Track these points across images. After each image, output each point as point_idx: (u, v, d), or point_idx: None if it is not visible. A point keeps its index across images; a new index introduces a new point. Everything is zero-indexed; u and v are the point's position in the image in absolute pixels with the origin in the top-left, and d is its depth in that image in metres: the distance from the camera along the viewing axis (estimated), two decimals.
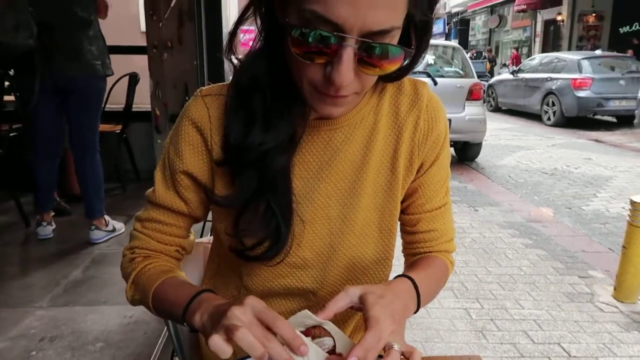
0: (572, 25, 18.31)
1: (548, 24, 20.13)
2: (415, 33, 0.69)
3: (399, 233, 0.90)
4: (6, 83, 3.12)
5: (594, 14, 17.63)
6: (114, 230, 3.06)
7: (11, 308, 2.24)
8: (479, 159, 6.77)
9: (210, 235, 0.98)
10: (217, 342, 0.58)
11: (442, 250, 0.89)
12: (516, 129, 10.04)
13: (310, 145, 0.80)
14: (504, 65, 20.59)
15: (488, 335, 2.36)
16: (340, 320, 0.89)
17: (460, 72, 6.56)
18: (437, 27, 28.52)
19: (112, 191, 3.90)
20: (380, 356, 0.63)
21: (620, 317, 2.53)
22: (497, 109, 13.06)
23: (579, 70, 9.96)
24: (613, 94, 9.66)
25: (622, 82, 9.78)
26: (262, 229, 0.76)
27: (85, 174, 2.93)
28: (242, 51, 0.77)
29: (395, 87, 0.83)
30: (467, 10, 28.13)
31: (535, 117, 11.16)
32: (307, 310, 0.64)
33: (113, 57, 2.96)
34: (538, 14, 20.47)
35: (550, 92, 10.39)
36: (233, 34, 0.75)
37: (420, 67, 5.86)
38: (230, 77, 0.79)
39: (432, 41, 1.01)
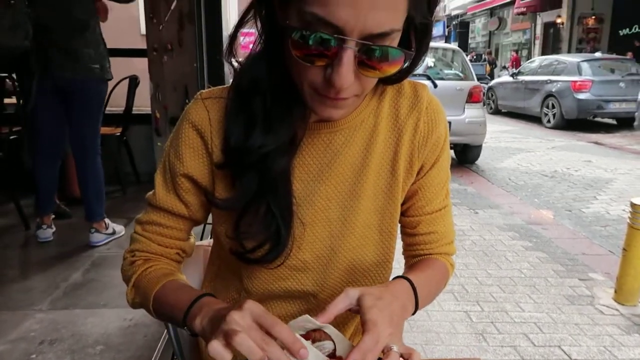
0: (572, 27, 18.34)
1: (548, 26, 20.15)
2: (415, 36, 0.69)
3: (399, 235, 0.90)
4: (7, 84, 3.13)
5: (593, 17, 17.65)
6: (114, 233, 3.06)
7: (11, 311, 2.23)
8: (479, 162, 6.77)
9: (211, 238, 0.98)
10: (216, 347, 0.58)
11: (442, 253, 0.89)
12: (516, 131, 10.05)
13: (311, 148, 0.80)
14: (504, 67, 20.64)
15: (488, 338, 2.36)
16: (340, 322, 0.89)
17: (460, 74, 6.56)
18: (437, 30, 28.57)
19: (112, 194, 3.89)
20: (379, 359, 0.63)
21: (621, 319, 2.52)
22: (497, 112, 13.07)
23: (579, 72, 9.97)
24: (613, 97, 9.67)
25: (622, 84, 9.79)
26: (263, 231, 0.76)
27: (85, 177, 2.93)
28: (242, 54, 0.77)
29: (395, 90, 0.83)
30: (466, 12, 28.17)
31: (535, 119, 11.16)
32: (307, 315, 0.63)
33: (113, 59, 2.96)
34: (538, 16, 20.49)
35: (550, 95, 10.40)
36: (233, 36, 0.75)
37: (420, 70, 5.83)
38: (231, 80, 0.79)
39: (432, 44, 1.02)
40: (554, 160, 6.94)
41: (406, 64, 0.67)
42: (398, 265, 0.89)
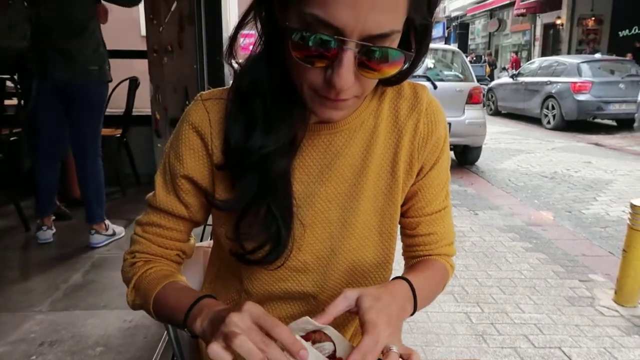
0: (572, 29, 18.35)
1: (547, 27, 20.17)
2: (415, 37, 0.69)
3: (399, 236, 0.90)
4: (8, 85, 3.13)
5: (593, 18, 17.67)
6: (114, 234, 3.06)
7: (11, 312, 2.23)
8: (478, 163, 6.77)
9: (211, 239, 0.98)
10: (216, 350, 0.58)
11: (441, 254, 0.89)
12: (516, 132, 10.05)
13: (311, 149, 0.80)
14: (504, 69, 20.66)
15: (488, 339, 2.35)
16: (340, 324, 0.89)
17: (460, 75, 6.57)
18: (437, 31, 28.57)
19: (112, 195, 3.90)
20: (379, 359, 0.63)
21: (621, 321, 2.52)
22: (496, 113, 13.07)
23: (579, 73, 9.98)
24: (613, 98, 9.67)
25: (621, 85, 9.80)
26: (263, 232, 0.76)
27: (86, 178, 2.93)
28: (242, 55, 0.77)
29: (395, 91, 0.84)
30: (466, 14, 28.19)
31: (535, 120, 11.17)
32: (307, 317, 0.63)
33: (113, 61, 2.97)
34: (537, 17, 20.51)
35: (550, 96, 10.40)
36: (233, 38, 0.75)
37: (420, 71, 5.86)
38: (231, 81, 0.79)
39: (432, 45, 1.01)
40: (554, 162, 6.94)
41: (406, 65, 0.67)
42: (398, 266, 0.89)
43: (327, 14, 0.59)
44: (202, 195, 0.82)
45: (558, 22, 18.92)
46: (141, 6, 3.01)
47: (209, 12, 2.86)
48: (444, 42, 26.64)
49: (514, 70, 14.56)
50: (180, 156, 0.80)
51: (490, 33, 26.08)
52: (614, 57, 12.12)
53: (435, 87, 5.74)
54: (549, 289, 2.90)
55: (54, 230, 3.06)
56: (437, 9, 0.69)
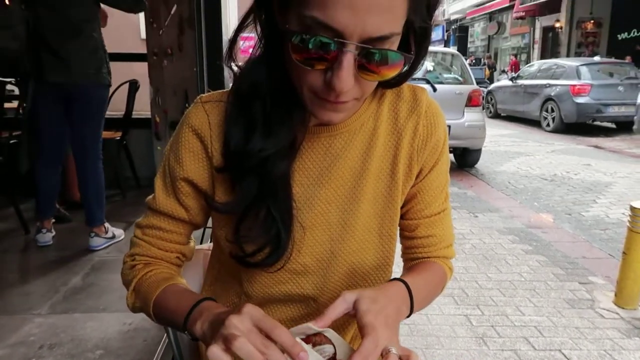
0: (571, 31, 18.39)
1: (546, 30, 20.21)
2: (415, 39, 0.69)
3: (399, 238, 0.90)
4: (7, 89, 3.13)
5: (592, 21, 17.71)
6: (113, 237, 3.05)
7: (10, 315, 2.23)
8: (478, 165, 6.77)
9: (210, 242, 0.98)
10: (216, 352, 0.58)
11: (440, 256, 0.89)
12: (515, 135, 10.06)
13: (310, 152, 0.80)
14: (503, 71, 20.67)
15: (489, 341, 2.35)
16: (340, 326, 0.89)
17: (460, 78, 6.58)
18: (436, 34, 28.63)
19: (112, 198, 3.89)
20: None
21: (621, 323, 2.52)
22: (496, 115, 13.09)
23: (578, 76, 9.99)
24: (612, 100, 9.68)
25: (620, 88, 9.81)
26: (263, 235, 0.76)
27: (86, 179, 2.92)
28: (242, 58, 0.77)
29: (395, 93, 0.84)
30: (465, 17, 28.25)
31: (534, 123, 11.17)
32: (308, 324, 0.64)
33: (113, 64, 2.96)
34: (536, 20, 20.55)
35: (549, 99, 10.41)
36: (233, 41, 0.76)
37: (419, 74, 5.85)
38: (230, 84, 0.80)
39: (431, 48, 1.02)
40: (554, 164, 6.94)
41: (405, 68, 0.67)
42: (398, 268, 0.89)
43: (327, 16, 0.59)
44: (202, 198, 0.82)
45: (557, 25, 18.96)
46: None
47: (209, 15, 2.86)
48: (443, 45, 26.71)
49: (513, 73, 14.57)
50: (180, 159, 0.80)
51: (489, 36, 26.13)
52: (613, 59, 12.15)
53: (434, 89, 5.74)
54: (549, 291, 2.90)
55: (54, 233, 3.05)
56: (437, 12, 0.69)
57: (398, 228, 0.88)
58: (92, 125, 2.87)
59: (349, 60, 0.61)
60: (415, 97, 0.83)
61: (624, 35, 16.36)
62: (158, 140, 2.94)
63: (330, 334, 0.65)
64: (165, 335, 0.99)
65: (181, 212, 0.83)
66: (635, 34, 15.91)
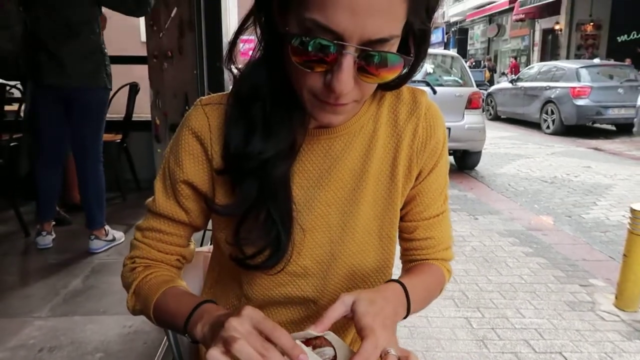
0: (570, 34, 18.41)
1: (546, 33, 20.24)
2: (414, 42, 0.69)
3: (398, 240, 0.90)
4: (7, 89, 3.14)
5: (591, 23, 17.73)
6: (113, 239, 3.05)
7: (10, 318, 2.23)
8: (478, 168, 6.77)
9: (210, 244, 0.98)
10: (215, 355, 0.58)
11: (438, 259, 0.89)
12: (515, 137, 10.06)
13: (310, 154, 0.80)
14: (503, 74, 20.68)
15: (489, 344, 2.35)
16: (339, 328, 0.89)
17: (459, 81, 6.58)
18: (436, 37, 28.69)
19: (112, 200, 3.89)
20: None
21: (621, 325, 2.52)
22: (496, 118, 13.10)
23: (578, 78, 10.00)
24: (612, 103, 9.69)
25: (620, 90, 9.82)
26: (263, 237, 0.76)
27: (86, 180, 2.92)
28: (241, 61, 0.77)
29: (394, 96, 0.84)
30: (465, 19, 28.30)
31: (534, 125, 11.18)
32: (309, 330, 0.64)
33: (113, 67, 2.96)
34: (536, 23, 20.58)
35: (549, 101, 10.42)
36: (233, 43, 0.76)
37: (419, 76, 5.89)
38: (230, 87, 0.80)
39: (431, 50, 1.02)
40: (554, 166, 6.94)
41: (405, 70, 0.67)
42: (398, 270, 0.89)
43: (327, 18, 0.59)
44: (202, 200, 0.82)
45: (557, 27, 18.98)
46: None
47: (209, 18, 2.87)
48: (443, 48, 26.77)
49: (513, 75, 14.59)
50: (180, 161, 0.80)
51: (489, 38, 26.16)
52: (612, 62, 12.17)
53: (434, 92, 5.74)
54: (549, 293, 2.89)
55: (54, 236, 3.05)
56: (436, 14, 0.69)
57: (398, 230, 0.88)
58: (92, 126, 2.86)
59: (348, 62, 0.61)
60: (415, 99, 0.84)
61: (624, 38, 16.38)
62: (158, 142, 2.95)
63: (331, 336, 0.65)
64: (166, 337, 0.99)
65: (181, 215, 0.83)
66: (635, 36, 15.93)
